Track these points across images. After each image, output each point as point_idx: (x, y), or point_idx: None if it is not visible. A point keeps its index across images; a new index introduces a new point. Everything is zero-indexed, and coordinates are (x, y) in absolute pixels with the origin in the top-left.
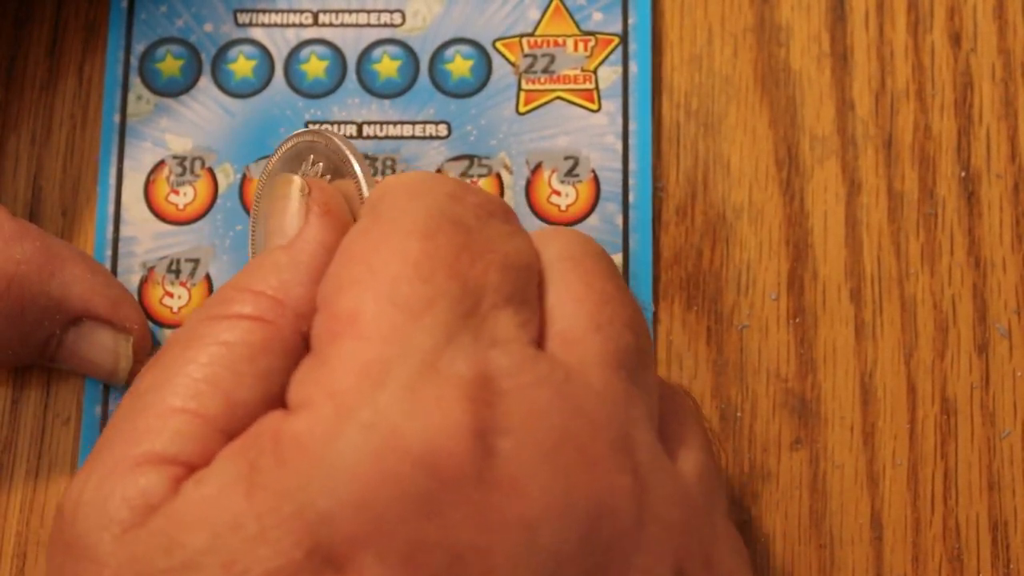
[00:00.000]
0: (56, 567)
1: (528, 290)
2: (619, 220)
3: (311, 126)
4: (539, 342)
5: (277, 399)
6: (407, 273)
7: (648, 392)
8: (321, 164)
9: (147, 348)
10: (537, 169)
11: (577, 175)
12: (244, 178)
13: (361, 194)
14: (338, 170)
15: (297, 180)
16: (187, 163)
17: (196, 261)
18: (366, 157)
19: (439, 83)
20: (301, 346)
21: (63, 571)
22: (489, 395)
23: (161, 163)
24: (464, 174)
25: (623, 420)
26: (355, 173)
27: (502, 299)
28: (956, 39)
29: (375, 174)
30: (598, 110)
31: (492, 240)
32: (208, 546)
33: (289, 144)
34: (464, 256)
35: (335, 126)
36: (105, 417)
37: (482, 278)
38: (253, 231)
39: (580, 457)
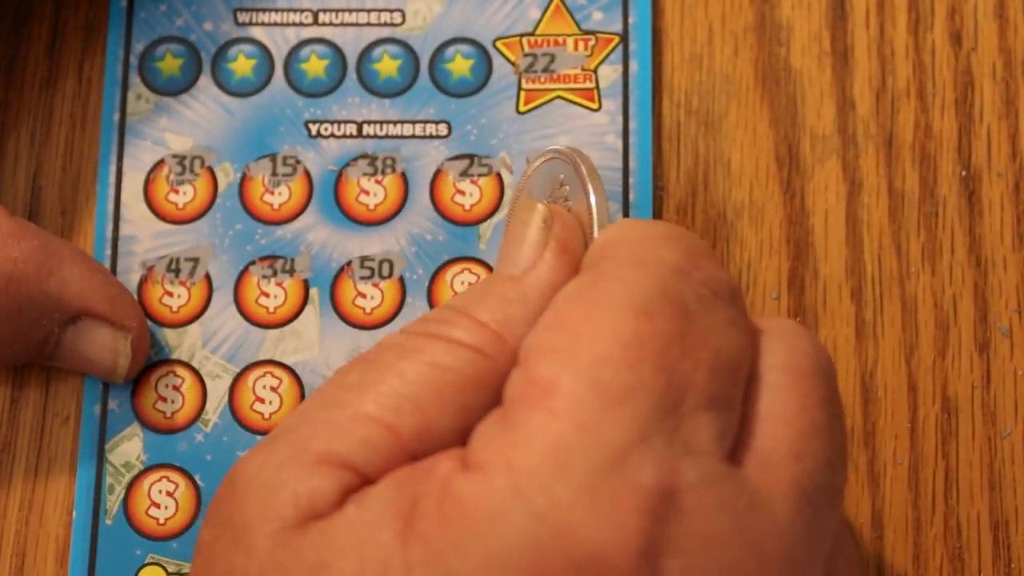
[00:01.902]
0: (213, 534)
1: (734, 394)
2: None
3: (311, 126)
4: (733, 450)
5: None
6: (614, 356)
7: (828, 534)
8: (567, 188)
9: (146, 346)
10: None
11: None
12: (244, 177)
13: (592, 229)
14: (579, 196)
15: (541, 209)
16: (187, 162)
17: (196, 260)
18: (365, 156)
19: (439, 82)
20: None
21: (218, 543)
22: (668, 511)
23: (161, 162)
24: (464, 173)
25: (797, 563)
26: (590, 206)
27: (705, 402)
28: (957, 38)
29: (375, 173)
30: (598, 109)
31: (709, 332)
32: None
33: (544, 159)
34: (675, 348)
35: (335, 125)
36: (105, 416)
37: (690, 376)
38: (516, 196)
39: None
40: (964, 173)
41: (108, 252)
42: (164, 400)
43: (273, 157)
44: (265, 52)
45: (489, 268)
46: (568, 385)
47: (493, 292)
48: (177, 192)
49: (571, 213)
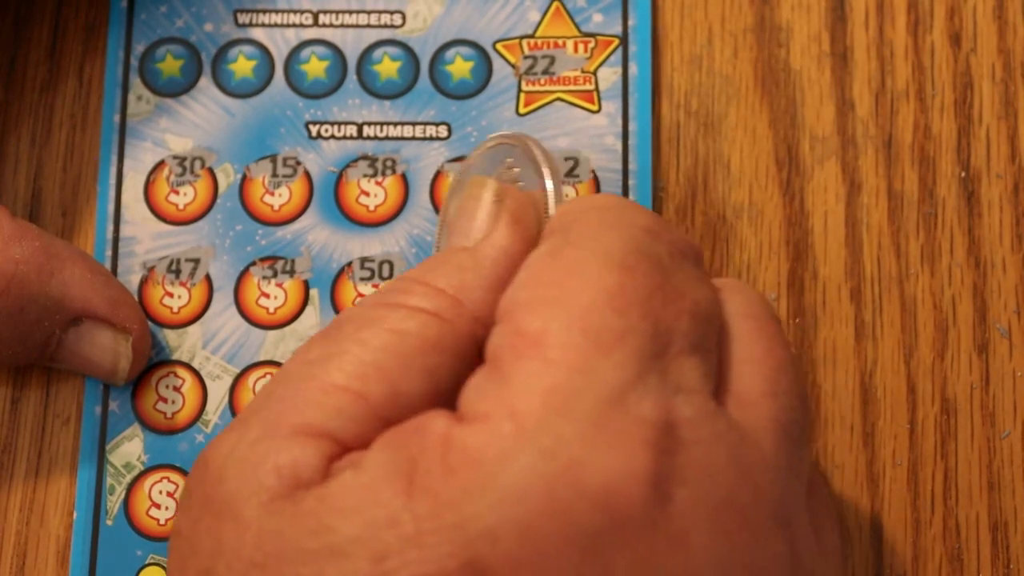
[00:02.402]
0: (192, 519)
1: (711, 340)
2: None
3: (311, 127)
4: (715, 392)
5: (439, 398)
6: (601, 303)
7: (805, 467)
8: (517, 170)
9: (147, 348)
10: None
11: (577, 176)
12: (244, 178)
13: (547, 208)
14: (531, 178)
15: (491, 183)
16: (187, 163)
17: (196, 261)
18: (365, 158)
19: (440, 84)
20: (473, 351)
21: (200, 525)
22: (671, 443)
23: (161, 163)
24: None
25: (784, 491)
26: (545, 185)
27: (689, 346)
28: (956, 39)
29: (376, 175)
30: (598, 111)
31: (684, 284)
32: (358, 536)
33: (490, 144)
34: (658, 296)
35: (335, 126)
36: (105, 417)
37: (673, 322)
38: (440, 225)
39: (743, 521)
40: (963, 174)
41: (109, 253)
42: (165, 401)
43: (273, 158)
44: (265, 53)
45: None
46: (559, 334)
47: (447, 261)
48: (177, 193)
49: (526, 194)
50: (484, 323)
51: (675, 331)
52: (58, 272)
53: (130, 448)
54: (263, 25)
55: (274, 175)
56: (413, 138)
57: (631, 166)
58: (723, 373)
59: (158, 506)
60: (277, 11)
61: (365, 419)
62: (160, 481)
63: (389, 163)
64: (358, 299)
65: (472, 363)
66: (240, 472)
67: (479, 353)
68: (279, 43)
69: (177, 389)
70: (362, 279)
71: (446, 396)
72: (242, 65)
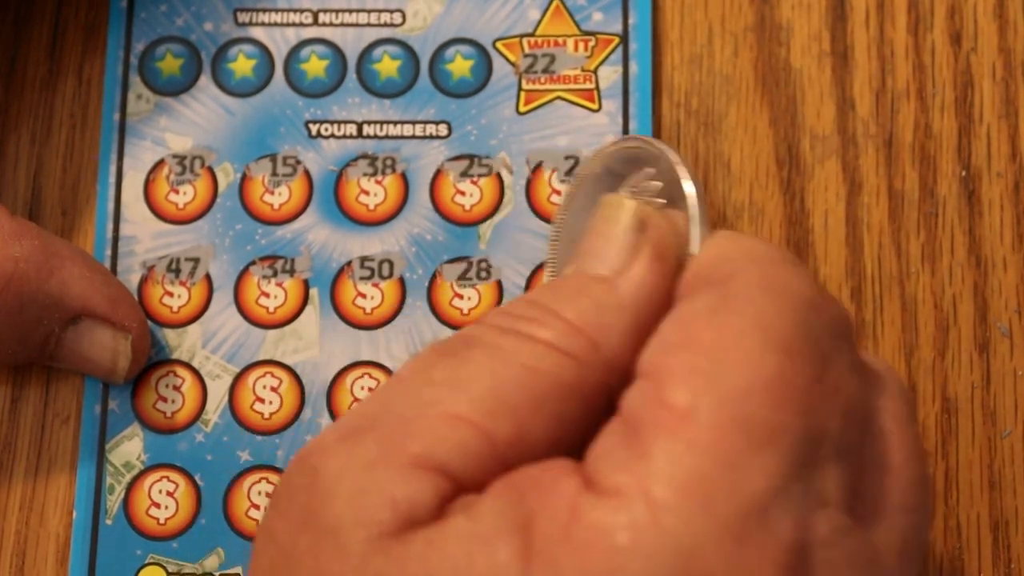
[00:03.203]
0: (291, 528)
1: (857, 442)
2: None
3: (311, 126)
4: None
5: (562, 445)
6: (758, 391)
7: None
8: (657, 185)
9: (146, 346)
10: (537, 169)
11: None
12: (244, 177)
13: (688, 237)
14: (670, 195)
15: (632, 207)
16: (187, 162)
17: (196, 260)
18: (365, 157)
19: (439, 83)
20: (603, 399)
21: (300, 539)
22: (802, 567)
23: (161, 162)
24: (464, 173)
25: None
26: (688, 211)
27: (836, 452)
28: (956, 38)
29: (376, 173)
30: (598, 110)
31: (840, 376)
32: None
33: (626, 144)
34: (815, 390)
35: (335, 125)
36: (105, 416)
37: (826, 421)
38: (555, 237)
39: None
40: (964, 173)
41: (108, 252)
42: (164, 400)
43: (273, 157)
44: (265, 52)
45: (489, 268)
46: (708, 415)
47: (584, 292)
48: (177, 192)
49: (664, 215)
50: (618, 371)
51: (826, 433)
52: (57, 271)
53: (130, 447)
54: (263, 24)
55: (274, 174)
56: (413, 137)
57: None
58: (859, 474)
59: (158, 505)
60: (277, 10)
61: (487, 459)
62: (160, 480)
63: (389, 162)
64: (358, 298)
65: (599, 411)
66: (352, 497)
67: (608, 401)
68: (279, 42)
69: (177, 388)
70: (362, 278)
71: (569, 444)
72: (242, 64)
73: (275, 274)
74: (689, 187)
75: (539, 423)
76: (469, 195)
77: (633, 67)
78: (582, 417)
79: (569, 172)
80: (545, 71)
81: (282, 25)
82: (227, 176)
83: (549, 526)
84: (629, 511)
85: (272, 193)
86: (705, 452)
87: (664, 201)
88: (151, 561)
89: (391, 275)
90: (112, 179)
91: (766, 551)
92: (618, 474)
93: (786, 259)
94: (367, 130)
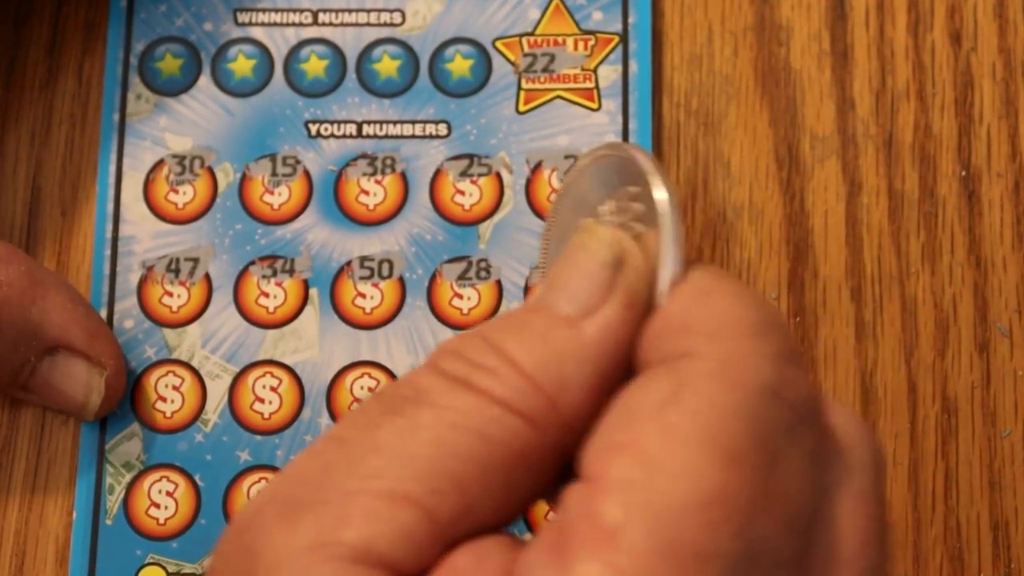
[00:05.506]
0: None
1: (802, 546)
2: None
3: (311, 126)
4: None
5: (508, 512)
6: (693, 512)
7: None
8: (638, 207)
9: (120, 385)
10: (537, 168)
11: None
12: (244, 177)
13: (657, 276)
14: (649, 220)
15: (610, 240)
16: (186, 162)
17: (195, 260)
18: (365, 156)
19: (439, 82)
20: (555, 460)
21: None
22: None
23: (160, 162)
24: (464, 173)
25: None
26: (663, 240)
27: (775, 564)
28: (956, 38)
29: (375, 173)
30: (598, 109)
31: (790, 477)
32: None
33: (613, 154)
34: (759, 503)
35: (335, 125)
36: (104, 417)
37: (767, 536)
38: (548, 236)
39: None
40: (964, 173)
41: (108, 252)
42: (164, 400)
43: (273, 157)
44: (265, 52)
45: (488, 267)
46: (635, 537)
47: (545, 338)
48: (177, 192)
49: (640, 243)
50: (575, 430)
51: (765, 548)
52: (40, 299)
53: (129, 447)
54: (263, 24)
55: (273, 174)
56: (413, 136)
57: None
58: (809, 561)
59: (157, 505)
60: (277, 10)
61: (428, 544)
62: (159, 480)
63: (389, 162)
64: (357, 298)
65: (554, 469)
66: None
67: (564, 456)
68: (278, 42)
69: (176, 388)
70: (362, 278)
71: (517, 506)
72: (242, 64)
73: (275, 274)
74: (665, 222)
75: (487, 496)
76: (469, 195)
77: (633, 66)
78: (534, 482)
79: (568, 172)
80: (545, 70)
81: (282, 25)
82: (227, 176)
83: None
84: None
85: (272, 193)
86: None
87: (643, 229)
88: (151, 561)
89: (391, 275)
90: (112, 179)
91: None
92: None
93: (754, 330)
94: (367, 130)
